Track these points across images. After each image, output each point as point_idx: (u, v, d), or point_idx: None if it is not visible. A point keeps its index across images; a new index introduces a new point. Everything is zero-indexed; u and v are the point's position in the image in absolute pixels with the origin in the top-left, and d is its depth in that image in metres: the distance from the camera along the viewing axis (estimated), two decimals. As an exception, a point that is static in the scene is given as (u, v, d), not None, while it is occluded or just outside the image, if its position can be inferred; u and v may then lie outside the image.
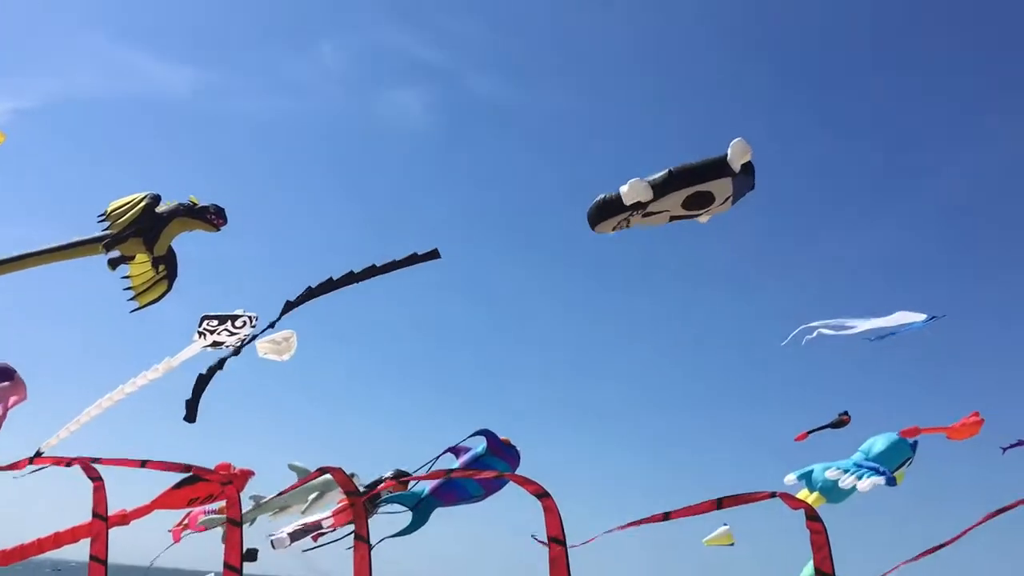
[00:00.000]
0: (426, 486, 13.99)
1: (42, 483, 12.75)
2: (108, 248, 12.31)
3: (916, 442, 16.57)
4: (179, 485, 13.91)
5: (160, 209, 12.13)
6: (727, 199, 9.97)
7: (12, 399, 12.18)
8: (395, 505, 14.37)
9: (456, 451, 14.12)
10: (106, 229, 12.21)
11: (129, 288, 12.49)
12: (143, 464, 12.61)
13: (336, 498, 14.41)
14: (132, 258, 12.37)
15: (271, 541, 14.66)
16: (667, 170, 9.70)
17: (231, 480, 13.45)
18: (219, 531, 14.15)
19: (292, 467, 14.90)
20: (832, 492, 16.44)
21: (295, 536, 14.58)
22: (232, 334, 12.13)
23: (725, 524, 23.75)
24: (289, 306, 12.38)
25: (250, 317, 12.17)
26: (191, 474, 13.29)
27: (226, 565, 11.40)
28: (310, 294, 12.34)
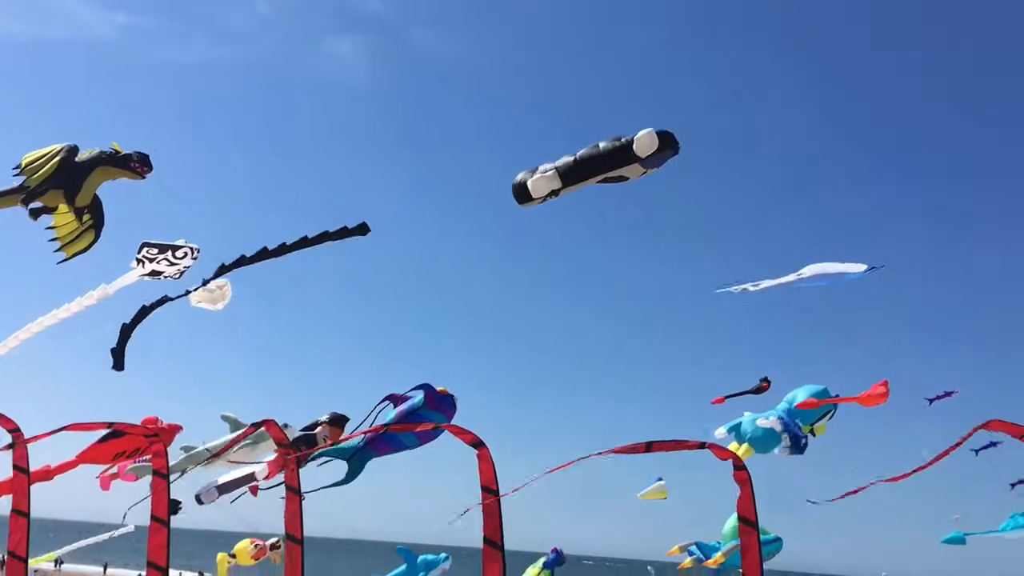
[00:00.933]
0: (361, 438, 14.04)
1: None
2: (26, 203, 11.94)
3: (837, 395, 17.04)
4: (104, 439, 13.68)
5: (80, 158, 11.74)
6: (644, 173, 9.95)
7: None
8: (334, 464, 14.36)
9: (395, 399, 14.13)
10: (23, 182, 11.86)
11: (55, 239, 12.16)
12: (64, 429, 12.41)
13: (268, 448, 14.30)
14: (55, 209, 12.02)
15: (197, 496, 14.56)
16: (572, 157, 9.67)
17: (157, 434, 13.25)
18: (147, 481, 14.02)
19: (225, 417, 14.74)
20: (761, 442, 16.88)
21: (224, 489, 14.50)
22: (172, 264, 11.84)
23: (660, 479, 24.22)
24: (223, 269, 12.22)
25: (191, 248, 11.88)
26: (115, 430, 13.09)
27: (153, 518, 11.27)
28: (243, 261, 12.21)
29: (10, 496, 12.00)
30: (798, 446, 16.27)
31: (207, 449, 14.50)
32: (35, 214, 11.93)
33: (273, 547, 23.56)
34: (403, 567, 22.73)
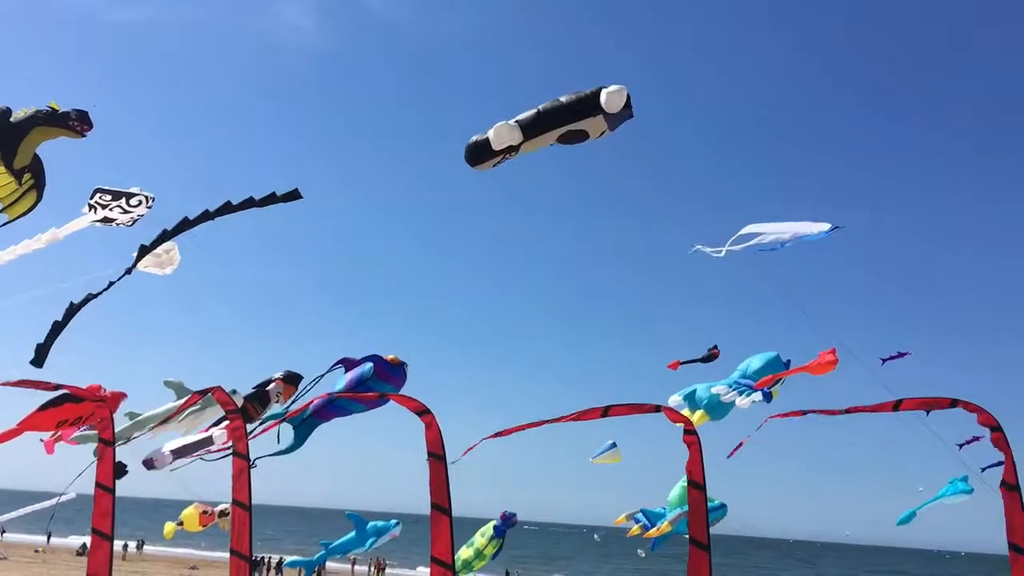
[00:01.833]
0: (308, 408, 14.05)
1: None
2: None
3: (789, 360, 17.41)
4: (45, 407, 13.38)
5: (16, 118, 11.39)
6: (603, 132, 9.78)
7: None
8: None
9: (348, 364, 14.11)
10: None
11: None
12: (15, 384, 12.13)
13: (215, 415, 14.16)
14: None
15: (147, 461, 14.37)
16: (536, 109, 9.43)
17: (104, 400, 13.03)
18: (89, 449, 13.79)
19: (168, 383, 14.52)
20: (715, 409, 17.19)
21: (179, 453, 14.35)
22: (125, 212, 11.58)
23: (613, 444, 24.47)
24: (144, 250, 11.94)
25: (146, 197, 11.62)
26: (59, 394, 12.82)
27: (98, 484, 11.09)
28: (164, 236, 11.93)
29: None
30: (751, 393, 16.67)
31: (153, 416, 14.30)
32: None
33: (222, 513, 23.38)
34: (353, 533, 22.77)
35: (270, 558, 57.43)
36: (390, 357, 14.36)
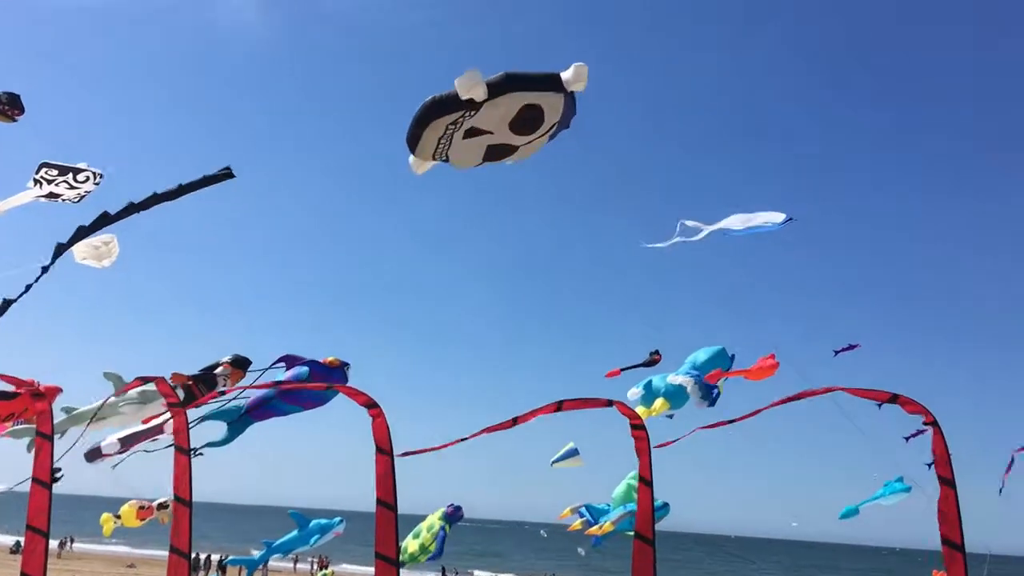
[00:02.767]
0: (244, 402, 13.95)
1: None
2: None
3: (734, 355, 17.75)
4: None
5: None
6: (553, 126, 9.70)
7: None
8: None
9: (289, 361, 13.96)
10: None
11: None
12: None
13: (157, 407, 13.90)
14: None
15: (93, 451, 14.09)
16: (503, 72, 9.27)
17: (43, 393, 12.71)
18: (22, 444, 13.43)
19: (107, 375, 14.21)
20: (674, 396, 17.50)
21: (127, 441, 14.10)
22: (72, 188, 11.24)
23: (575, 450, 24.49)
24: (60, 249, 11.61)
25: (94, 173, 11.29)
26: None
27: (35, 480, 10.77)
28: (81, 234, 11.56)
29: None
30: (710, 397, 17.02)
31: (91, 410, 14.00)
32: None
33: (161, 507, 22.94)
34: (296, 531, 22.56)
35: (209, 556, 56.62)
36: (329, 360, 14.18)
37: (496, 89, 9.09)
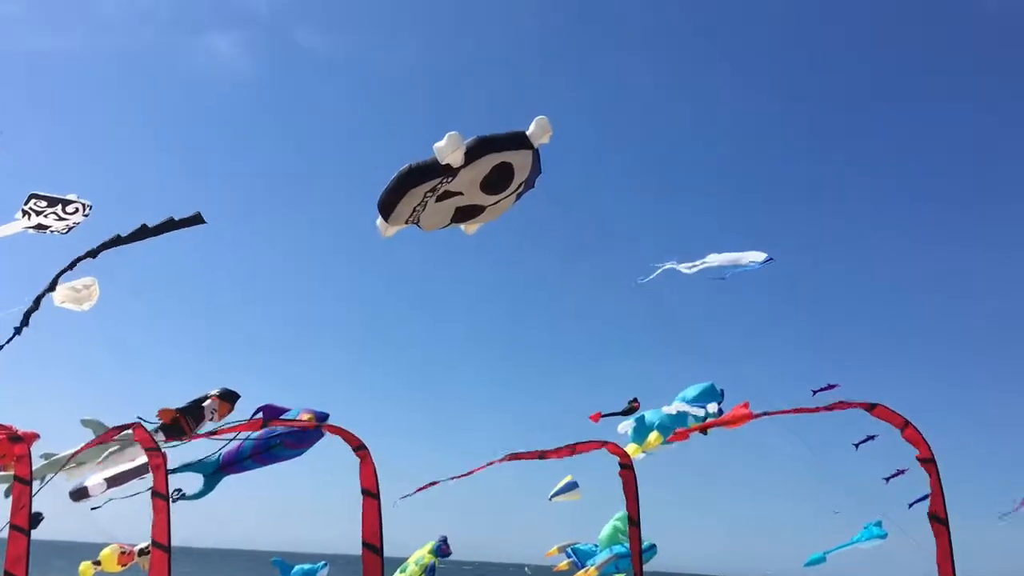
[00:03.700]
0: (220, 456, 13.93)
1: None
2: None
3: (723, 389, 17.85)
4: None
5: None
6: (520, 185, 9.74)
7: None
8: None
9: (268, 411, 13.82)
10: None
11: None
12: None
13: (135, 453, 13.70)
14: None
15: (79, 491, 13.89)
16: (476, 137, 9.28)
17: (22, 438, 12.50)
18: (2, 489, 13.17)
19: (85, 423, 13.97)
20: (667, 430, 17.53)
21: (114, 481, 13.90)
22: (60, 219, 11.19)
23: (575, 483, 24.24)
24: (59, 275, 11.59)
25: (83, 204, 11.24)
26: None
27: (12, 526, 10.55)
28: (55, 282, 11.57)
29: None
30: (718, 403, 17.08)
31: (69, 455, 13.79)
32: None
33: (142, 552, 22.48)
34: (278, 579, 22.18)
35: (190, 602, 55.68)
36: (305, 417, 13.95)
37: (472, 154, 9.10)
